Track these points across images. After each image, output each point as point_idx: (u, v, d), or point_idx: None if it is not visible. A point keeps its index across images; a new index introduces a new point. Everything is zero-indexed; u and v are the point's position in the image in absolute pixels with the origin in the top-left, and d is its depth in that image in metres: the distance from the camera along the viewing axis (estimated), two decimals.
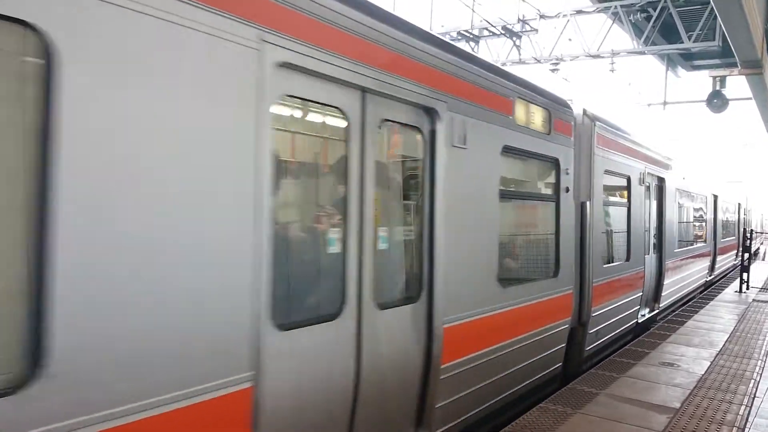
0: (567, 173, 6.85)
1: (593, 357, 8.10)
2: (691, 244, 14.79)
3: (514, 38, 17.99)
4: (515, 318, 5.65)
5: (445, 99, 4.51)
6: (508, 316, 5.51)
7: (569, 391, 6.27)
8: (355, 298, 3.75)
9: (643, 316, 10.36)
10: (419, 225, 4.45)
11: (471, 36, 18.26)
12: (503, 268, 5.59)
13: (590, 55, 17.20)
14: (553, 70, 17.86)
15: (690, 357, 7.98)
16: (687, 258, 13.83)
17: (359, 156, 3.80)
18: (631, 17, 16.11)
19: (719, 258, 19.14)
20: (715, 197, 18.52)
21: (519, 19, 17.69)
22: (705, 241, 16.59)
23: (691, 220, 15.20)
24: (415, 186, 4.55)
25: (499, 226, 5.44)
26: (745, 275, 15.68)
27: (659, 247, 11.21)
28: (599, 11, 16.55)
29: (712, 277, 17.95)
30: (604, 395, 6.14)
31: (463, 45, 18.35)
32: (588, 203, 7.49)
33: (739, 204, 25.94)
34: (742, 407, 5.91)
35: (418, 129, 4.40)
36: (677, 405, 5.93)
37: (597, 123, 7.73)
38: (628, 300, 9.18)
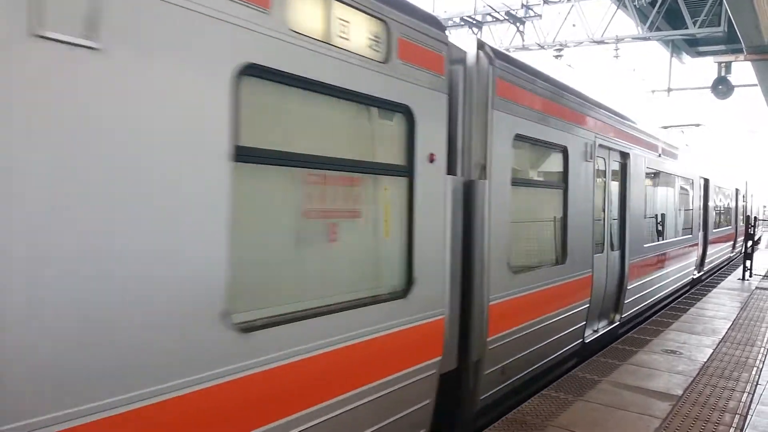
0: (430, 132, 4.41)
1: (501, 403, 5.73)
2: (672, 237, 12.11)
3: (518, 24, 17.88)
4: (264, 387, 3.08)
5: None
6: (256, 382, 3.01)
7: (571, 378, 6.28)
8: None
9: (595, 331, 8.04)
10: None
11: (474, 22, 18.14)
12: (241, 295, 3.00)
13: (594, 41, 17.08)
14: (556, 56, 17.76)
15: (692, 344, 7.98)
16: (663, 254, 11.23)
17: None
18: (636, 2, 15.97)
19: (710, 251, 16.69)
20: (706, 181, 15.99)
21: (523, 5, 17.59)
22: (690, 233, 13.83)
23: (673, 207, 12.34)
24: None
25: (220, 214, 2.81)
26: (748, 263, 15.69)
27: (621, 242, 8.87)
28: None
29: (701, 273, 15.65)
30: (606, 382, 6.15)
31: (466, 31, 18.25)
32: (481, 183, 5.07)
33: (737, 190, 23.99)
34: (745, 394, 5.91)
35: None
36: (679, 392, 5.93)
37: (498, 63, 5.25)
38: (562, 318, 6.71)
